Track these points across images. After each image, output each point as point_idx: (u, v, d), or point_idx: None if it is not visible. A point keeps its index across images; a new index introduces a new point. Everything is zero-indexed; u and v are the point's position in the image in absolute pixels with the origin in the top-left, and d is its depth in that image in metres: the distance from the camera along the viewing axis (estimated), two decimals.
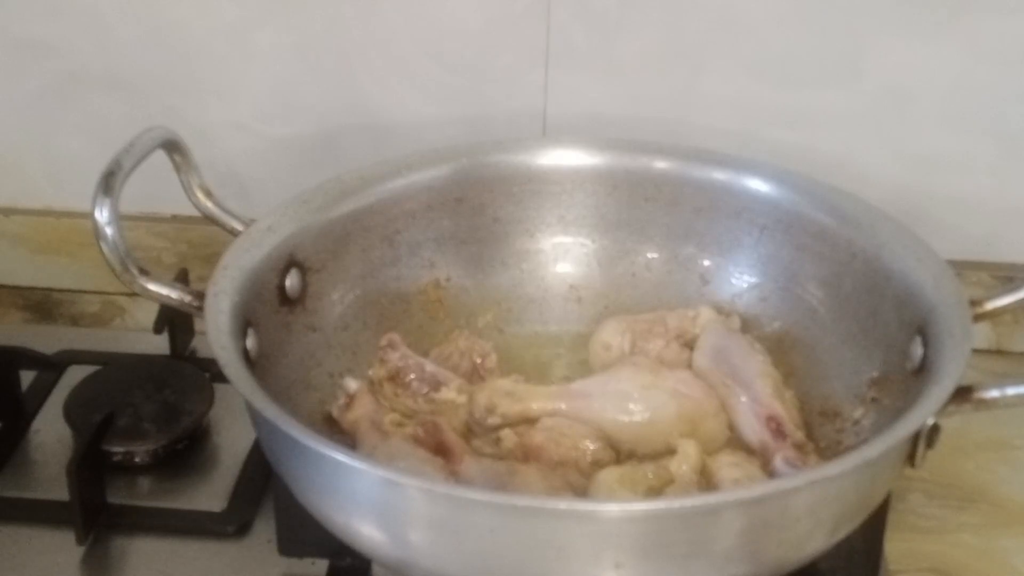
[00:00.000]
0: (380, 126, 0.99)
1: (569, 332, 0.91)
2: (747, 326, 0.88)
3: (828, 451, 0.79)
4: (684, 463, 0.75)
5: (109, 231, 0.73)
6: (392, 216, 0.88)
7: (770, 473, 0.76)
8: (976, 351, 0.73)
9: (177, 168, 0.82)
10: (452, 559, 0.64)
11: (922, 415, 0.67)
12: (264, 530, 0.81)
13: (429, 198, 0.89)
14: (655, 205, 0.91)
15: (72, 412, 0.88)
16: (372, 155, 0.93)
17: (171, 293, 0.75)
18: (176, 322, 0.95)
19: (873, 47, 0.94)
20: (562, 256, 0.92)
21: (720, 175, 0.89)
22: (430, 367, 0.83)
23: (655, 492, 0.73)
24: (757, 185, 0.88)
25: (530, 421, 0.79)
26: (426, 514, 0.64)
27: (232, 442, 0.88)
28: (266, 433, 0.71)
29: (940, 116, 0.95)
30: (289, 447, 0.67)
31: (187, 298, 0.75)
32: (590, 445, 0.77)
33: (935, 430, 0.68)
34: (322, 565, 0.78)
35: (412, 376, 0.82)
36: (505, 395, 0.81)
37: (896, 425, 0.67)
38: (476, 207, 0.91)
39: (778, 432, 0.78)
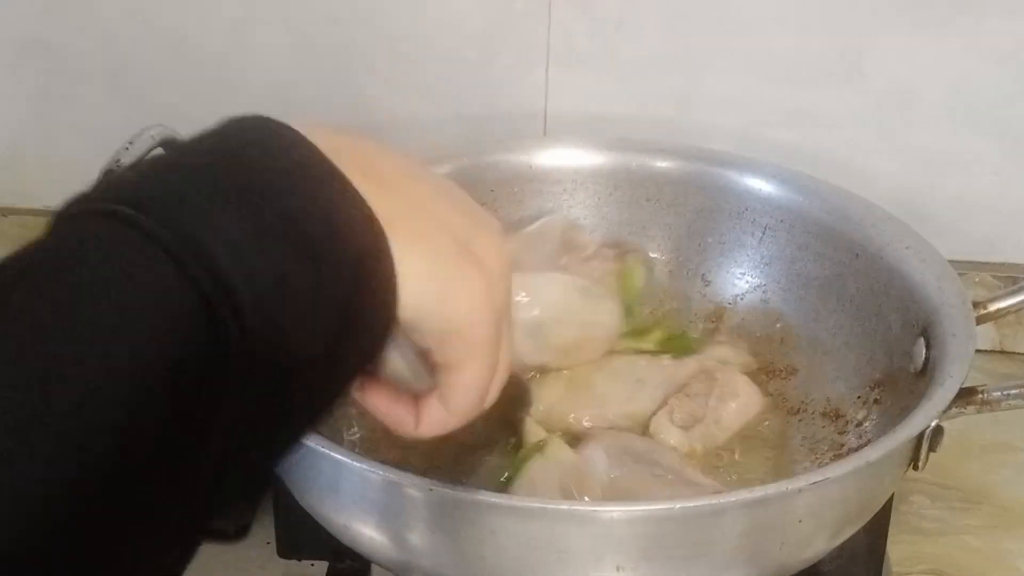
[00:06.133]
0: (380, 125, 0.99)
1: None
2: (749, 327, 0.87)
3: (831, 453, 0.79)
4: None
5: None
6: None
7: None
8: (979, 352, 0.73)
9: None
10: (452, 561, 0.64)
11: (925, 417, 0.66)
12: (263, 532, 0.81)
13: None
14: (657, 205, 0.90)
15: None
16: None
17: None
18: None
19: (876, 46, 0.93)
20: None
21: (722, 175, 0.89)
22: None
23: None
24: (759, 185, 0.88)
25: None
26: (426, 515, 0.63)
27: None
28: None
29: (943, 116, 0.95)
30: None
31: None
32: None
33: (938, 432, 0.68)
34: (321, 567, 0.78)
35: None
36: None
37: (899, 427, 0.66)
38: None
39: None
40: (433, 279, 0.46)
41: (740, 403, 0.80)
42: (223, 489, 0.40)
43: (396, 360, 0.49)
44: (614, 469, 0.74)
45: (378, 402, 0.53)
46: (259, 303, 0.38)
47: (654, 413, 0.79)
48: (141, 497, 0.36)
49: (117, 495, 0.36)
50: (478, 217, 0.51)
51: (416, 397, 0.52)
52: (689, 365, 0.82)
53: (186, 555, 0.41)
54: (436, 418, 0.52)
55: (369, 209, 0.43)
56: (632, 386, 0.81)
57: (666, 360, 0.82)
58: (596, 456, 0.74)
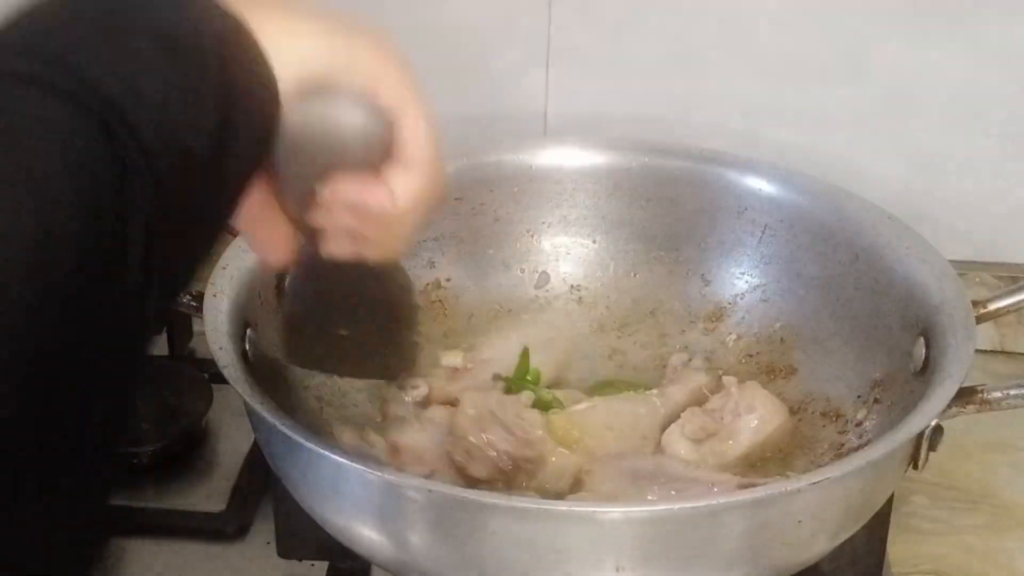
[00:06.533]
0: None
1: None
2: (749, 327, 0.87)
3: (831, 453, 0.79)
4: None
5: None
6: None
7: None
8: (979, 352, 0.72)
9: None
10: (451, 562, 0.64)
11: (925, 417, 0.66)
12: (263, 532, 0.81)
13: None
14: (657, 205, 0.90)
15: None
16: None
17: None
18: (174, 322, 0.94)
19: (877, 48, 0.93)
20: (563, 256, 0.92)
21: (722, 175, 0.89)
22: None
23: None
24: (759, 185, 0.88)
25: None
26: (425, 516, 0.63)
27: (231, 443, 0.87)
28: (265, 434, 0.71)
29: (944, 117, 0.95)
30: (288, 448, 0.67)
31: (185, 298, 0.75)
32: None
33: (938, 432, 0.68)
34: (321, 567, 0.78)
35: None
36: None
37: (899, 427, 0.66)
38: (477, 207, 0.90)
39: None
40: (325, 41, 0.51)
41: (756, 417, 0.78)
42: (154, 297, 0.43)
43: (352, 111, 0.53)
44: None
45: (348, 191, 0.55)
46: (149, 115, 0.42)
47: (666, 427, 0.79)
48: (80, 321, 0.40)
49: (57, 323, 0.39)
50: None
51: (383, 177, 0.55)
52: (680, 393, 0.81)
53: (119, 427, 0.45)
54: (406, 183, 0.54)
55: (217, 2, 0.47)
56: (638, 443, 0.78)
57: (655, 399, 0.80)
58: (601, 484, 0.74)
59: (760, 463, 0.78)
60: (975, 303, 0.76)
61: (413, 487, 0.63)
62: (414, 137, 0.54)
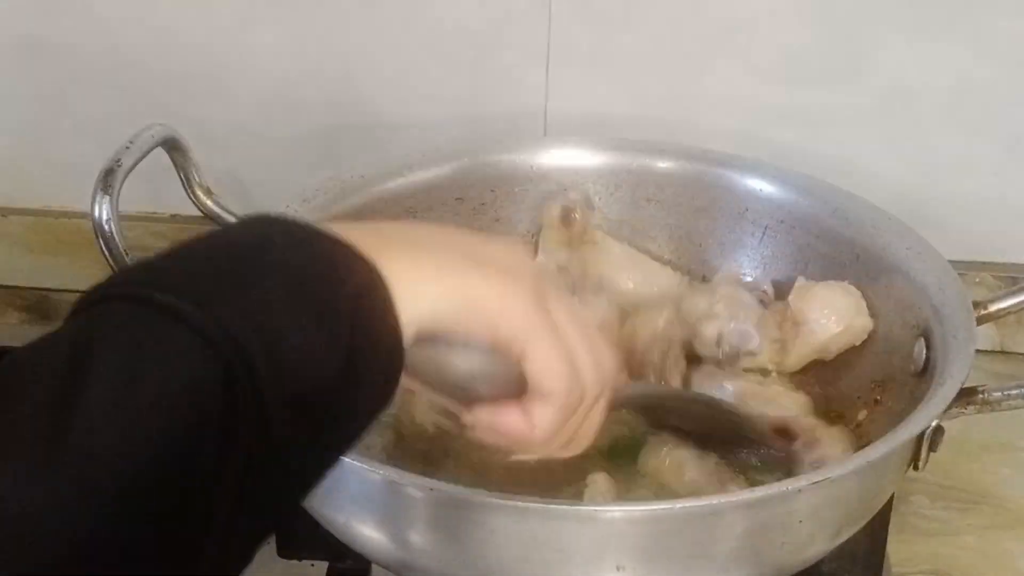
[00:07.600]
0: (380, 126, 0.99)
1: None
2: None
3: None
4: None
5: (108, 229, 0.73)
6: (393, 216, 0.87)
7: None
8: (979, 352, 0.73)
9: (177, 167, 0.82)
10: (452, 560, 0.64)
11: (926, 417, 0.66)
12: None
13: (430, 198, 0.89)
14: (657, 205, 0.90)
15: None
16: (372, 155, 0.93)
17: None
18: None
19: (877, 47, 0.93)
20: None
21: (723, 175, 0.89)
22: None
23: None
24: (760, 185, 0.88)
25: None
26: (426, 515, 0.63)
27: None
28: None
29: (944, 117, 0.95)
30: None
31: None
32: None
33: (938, 432, 0.68)
34: (321, 567, 0.78)
35: None
36: None
37: (899, 427, 0.66)
38: (477, 207, 0.90)
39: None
40: (446, 285, 0.50)
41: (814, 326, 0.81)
42: (240, 534, 0.44)
43: (469, 363, 0.52)
44: None
45: (489, 418, 0.55)
46: (276, 367, 0.42)
47: None
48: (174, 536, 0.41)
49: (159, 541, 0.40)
50: (488, 236, 0.55)
51: (521, 406, 0.55)
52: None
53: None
54: (543, 413, 0.54)
55: (356, 250, 0.47)
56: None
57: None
58: None
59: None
60: (975, 304, 0.76)
61: (414, 485, 0.63)
62: (544, 369, 0.53)
